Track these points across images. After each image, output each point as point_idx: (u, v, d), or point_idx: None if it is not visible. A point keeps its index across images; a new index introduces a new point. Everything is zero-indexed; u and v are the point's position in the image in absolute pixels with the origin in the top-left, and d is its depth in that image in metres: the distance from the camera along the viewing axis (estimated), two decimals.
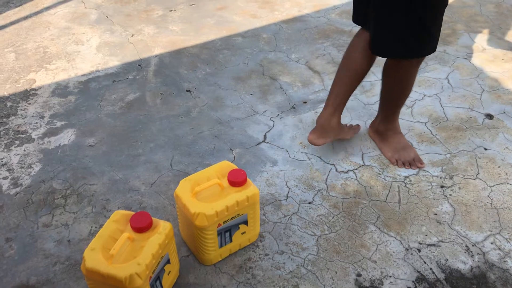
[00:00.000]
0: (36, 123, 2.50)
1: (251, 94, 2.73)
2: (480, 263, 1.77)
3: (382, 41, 1.89)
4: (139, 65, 3.00)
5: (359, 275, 1.73)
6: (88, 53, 3.14)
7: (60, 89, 2.78)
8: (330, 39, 3.27)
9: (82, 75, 2.91)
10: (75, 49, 3.19)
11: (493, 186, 2.09)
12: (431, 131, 2.41)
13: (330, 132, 2.15)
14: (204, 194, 1.68)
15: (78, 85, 2.82)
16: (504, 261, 1.77)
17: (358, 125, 2.38)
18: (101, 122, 2.51)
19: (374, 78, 2.83)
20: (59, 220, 1.95)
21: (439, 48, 3.13)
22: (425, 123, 2.47)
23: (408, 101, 2.63)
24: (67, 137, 2.41)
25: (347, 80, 2.10)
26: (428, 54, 1.93)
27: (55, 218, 1.96)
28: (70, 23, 3.52)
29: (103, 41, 3.27)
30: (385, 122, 2.22)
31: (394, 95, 2.11)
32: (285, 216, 1.96)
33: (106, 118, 2.54)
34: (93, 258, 1.45)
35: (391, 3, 1.75)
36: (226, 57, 3.09)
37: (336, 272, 1.73)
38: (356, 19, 2.05)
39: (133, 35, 3.34)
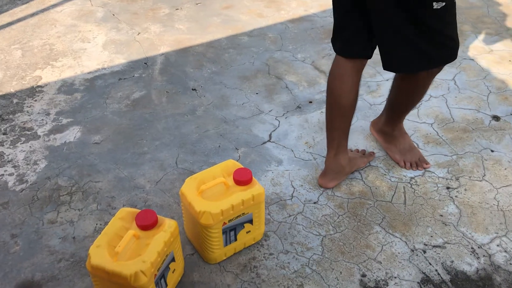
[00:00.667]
0: (42, 120, 2.51)
1: (256, 93, 2.73)
2: (486, 265, 1.76)
3: (399, 57, 1.76)
4: (145, 63, 3.01)
5: (364, 275, 1.72)
6: (94, 50, 3.14)
7: (66, 87, 2.79)
8: None
9: (88, 73, 2.91)
10: (81, 46, 3.19)
11: (500, 188, 2.08)
12: (437, 132, 2.40)
13: (341, 172, 2.06)
14: (210, 192, 1.68)
15: (84, 83, 2.82)
16: (510, 264, 1.76)
17: (372, 153, 2.24)
18: (106, 119, 2.51)
19: (380, 78, 2.82)
20: (64, 217, 1.95)
21: None
22: (431, 124, 2.46)
23: None
24: (72, 134, 2.41)
25: (339, 122, 1.97)
26: (451, 61, 1.80)
27: (60, 215, 1.96)
28: (77, 20, 3.53)
29: (109, 39, 3.27)
30: (391, 124, 2.17)
31: (406, 103, 2.04)
32: (290, 216, 1.96)
33: (112, 116, 2.54)
34: (99, 255, 1.45)
35: (401, 17, 1.64)
36: (232, 56, 3.09)
37: (341, 272, 1.73)
38: (350, 51, 1.86)
39: (139, 33, 3.34)
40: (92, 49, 3.16)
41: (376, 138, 2.30)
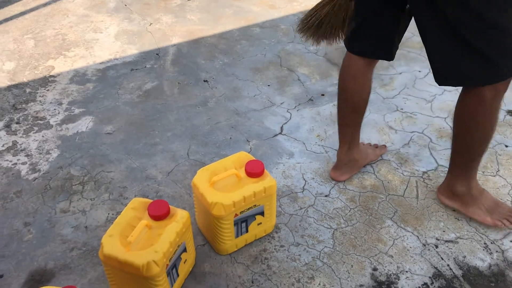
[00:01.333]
0: (55, 109, 2.52)
1: (268, 86, 2.72)
2: (499, 261, 1.74)
3: (458, 67, 1.50)
4: (157, 54, 3.00)
5: (375, 269, 1.72)
6: (107, 41, 3.15)
7: (79, 77, 2.79)
8: None
9: (100, 63, 2.92)
10: (93, 36, 3.20)
11: None
12: (450, 127, 2.38)
13: (353, 166, 2.05)
14: (222, 184, 1.68)
15: (96, 73, 2.83)
16: None
17: (384, 146, 2.22)
18: (119, 110, 2.52)
19: (394, 71, 2.79)
20: (77, 206, 1.97)
21: None
22: (445, 118, 2.44)
23: (427, 96, 2.60)
24: (85, 124, 2.42)
25: (351, 118, 1.93)
26: None
27: (73, 204, 1.97)
28: (89, 10, 3.53)
29: (121, 29, 3.27)
30: (465, 183, 1.81)
31: (474, 142, 1.68)
32: (301, 209, 1.95)
33: (124, 106, 2.55)
34: (111, 244, 1.46)
35: (461, 17, 1.41)
36: (243, 48, 3.08)
37: (352, 266, 1.73)
38: (371, 52, 1.79)
39: (151, 24, 3.34)
40: (104, 40, 3.16)
41: (451, 206, 1.91)
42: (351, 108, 1.91)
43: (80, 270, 1.70)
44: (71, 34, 3.22)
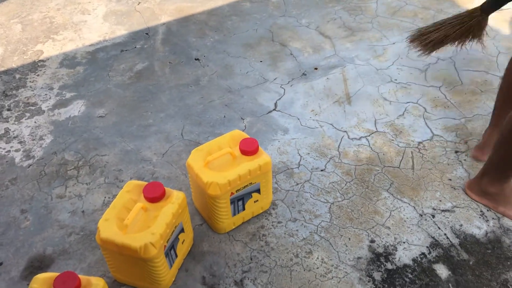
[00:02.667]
0: (46, 94, 2.49)
1: (260, 62, 2.68)
2: (495, 228, 1.75)
3: None
4: (147, 33, 2.96)
5: (372, 241, 1.72)
6: (95, 22, 3.10)
7: (68, 60, 2.76)
8: (342, 2, 3.19)
9: (89, 45, 2.88)
10: (81, 18, 3.14)
11: None
12: (445, 96, 2.36)
13: None
14: (216, 163, 1.67)
15: (86, 56, 2.79)
16: None
17: None
18: (110, 92, 2.49)
19: (387, 42, 2.76)
20: (73, 191, 1.96)
21: (453, 9, 3.04)
22: (439, 87, 2.42)
23: (421, 65, 2.58)
24: (77, 108, 2.40)
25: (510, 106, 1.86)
26: None
27: (69, 189, 1.97)
28: None
29: (110, 10, 3.22)
30: (499, 185, 1.79)
31: None
32: (297, 184, 1.95)
33: (116, 89, 2.52)
34: (108, 228, 1.46)
35: None
36: (234, 24, 3.03)
37: (349, 239, 1.73)
38: None
39: (139, 3, 3.28)
40: (92, 21, 3.11)
41: (479, 202, 1.87)
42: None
43: (79, 255, 1.71)
44: (58, 17, 3.17)
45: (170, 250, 1.54)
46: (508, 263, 1.64)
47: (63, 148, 2.17)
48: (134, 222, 1.47)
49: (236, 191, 1.66)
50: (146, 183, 1.58)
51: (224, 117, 2.31)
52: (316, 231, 1.77)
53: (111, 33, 2.97)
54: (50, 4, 3.32)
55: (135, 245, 1.41)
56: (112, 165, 2.07)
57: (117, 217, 1.49)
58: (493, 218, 1.78)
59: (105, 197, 1.93)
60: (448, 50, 2.67)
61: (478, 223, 1.77)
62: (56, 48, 2.85)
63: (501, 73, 2.47)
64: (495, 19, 2.91)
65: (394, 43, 2.74)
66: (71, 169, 2.06)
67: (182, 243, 1.62)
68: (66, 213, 1.87)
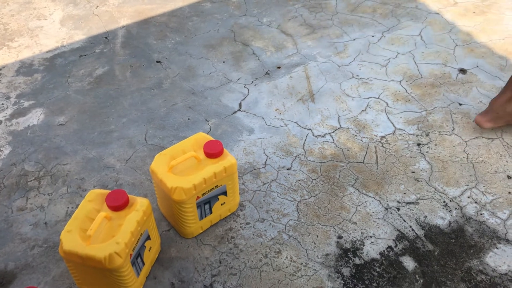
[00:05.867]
0: (2, 104, 2.41)
1: (223, 62, 2.67)
2: (458, 217, 1.80)
3: None
4: (106, 37, 2.90)
5: (340, 237, 1.74)
6: (52, 28, 3.01)
7: (25, 68, 2.67)
8: (302, 0, 3.20)
9: (47, 52, 2.80)
10: (37, 24, 3.06)
11: (468, 140, 2.11)
12: (406, 90, 2.41)
13: (502, 118, 2.03)
14: (181, 167, 1.65)
15: (44, 62, 2.71)
16: (481, 214, 1.80)
17: None
18: (70, 99, 2.43)
19: (347, 38, 2.79)
20: (34, 202, 1.90)
21: (411, 4, 3.10)
22: (400, 81, 2.46)
23: (382, 60, 2.62)
24: (36, 117, 2.33)
25: None
26: None
27: (30, 201, 1.91)
28: None
29: (67, 15, 3.14)
30: None
31: None
32: (264, 184, 1.95)
33: (75, 95, 2.46)
34: (70, 240, 1.42)
35: None
36: (195, 25, 3.00)
37: (317, 236, 1.74)
38: None
39: (97, 6, 3.21)
40: (49, 27, 3.03)
41: (494, 127, 2.06)
42: None
43: (43, 268, 1.66)
44: (13, 23, 3.07)
45: (137, 259, 1.52)
46: (471, 251, 1.68)
47: (22, 158, 2.10)
48: (97, 232, 1.44)
49: (202, 194, 1.65)
50: (108, 191, 1.55)
51: (188, 119, 2.28)
52: (284, 230, 1.77)
53: (69, 38, 2.90)
54: (3, 10, 3.21)
55: (100, 255, 1.38)
56: (75, 174, 2.02)
57: (80, 228, 1.46)
58: (455, 208, 1.83)
59: (68, 207, 1.88)
60: (407, 44, 2.72)
61: (441, 214, 1.81)
62: (11, 56, 2.77)
63: (459, 65, 2.54)
64: (451, 13, 2.98)
65: (354, 39, 2.77)
66: (31, 180, 2.00)
67: (149, 250, 1.60)
68: (28, 225, 1.82)
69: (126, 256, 1.42)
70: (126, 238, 1.42)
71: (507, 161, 2.00)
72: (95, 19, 3.07)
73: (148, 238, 1.58)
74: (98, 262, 1.38)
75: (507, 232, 1.73)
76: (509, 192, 1.88)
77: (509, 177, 1.94)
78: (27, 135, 2.23)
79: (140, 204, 1.52)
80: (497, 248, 1.68)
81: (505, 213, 1.80)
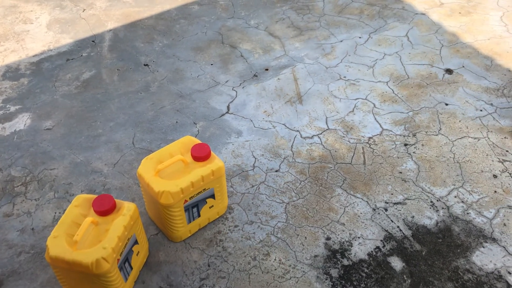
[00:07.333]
0: None
1: (211, 65, 2.67)
2: (445, 217, 1.81)
3: None
4: (93, 41, 2.89)
5: (328, 238, 1.74)
6: (38, 31, 2.99)
7: (11, 72, 2.65)
8: (289, 2, 3.21)
9: (33, 56, 2.78)
10: (23, 28, 3.03)
11: (455, 140, 2.12)
12: (393, 90, 2.42)
13: None
14: (168, 171, 1.65)
15: (30, 66, 2.69)
16: (467, 213, 1.82)
17: None
18: (57, 103, 2.42)
19: (334, 40, 2.80)
20: (21, 208, 1.89)
21: (398, 5, 3.12)
22: (387, 82, 2.48)
23: (369, 61, 2.63)
24: (22, 121, 2.31)
25: None
26: None
27: (16, 206, 1.90)
28: (16, 0, 3.34)
29: (53, 18, 3.12)
30: None
31: None
32: (252, 186, 1.95)
33: (62, 99, 2.44)
34: (57, 245, 1.41)
35: None
36: (183, 27, 3.00)
37: (305, 238, 1.75)
38: None
39: (84, 10, 3.20)
40: (35, 30, 3.01)
41: None
42: None
43: (30, 274, 1.65)
44: None
45: (124, 263, 1.51)
46: (458, 250, 1.69)
47: (9, 164, 2.09)
48: (84, 237, 1.43)
49: (189, 198, 1.64)
50: (95, 196, 1.54)
51: (176, 122, 2.28)
52: (272, 232, 1.77)
53: (56, 42, 2.88)
54: None
55: (87, 261, 1.37)
56: (62, 178, 2.00)
57: (67, 233, 1.45)
58: (442, 208, 1.84)
59: (55, 213, 1.87)
60: (394, 45, 2.73)
61: (429, 214, 1.82)
62: None
63: (445, 66, 2.56)
64: (437, 14, 3.01)
65: (341, 41, 2.79)
66: (18, 186, 1.98)
67: (137, 255, 1.59)
68: (14, 231, 1.80)
69: (113, 261, 1.42)
70: (113, 243, 1.42)
71: (493, 161, 2.02)
72: (82, 23, 3.06)
73: (136, 242, 1.57)
74: (85, 268, 1.37)
75: (493, 231, 1.75)
76: (495, 191, 1.89)
77: (495, 176, 1.96)
78: (13, 140, 2.21)
79: (127, 209, 1.52)
80: (483, 247, 1.70)
81: (491, 212, 1.81)
